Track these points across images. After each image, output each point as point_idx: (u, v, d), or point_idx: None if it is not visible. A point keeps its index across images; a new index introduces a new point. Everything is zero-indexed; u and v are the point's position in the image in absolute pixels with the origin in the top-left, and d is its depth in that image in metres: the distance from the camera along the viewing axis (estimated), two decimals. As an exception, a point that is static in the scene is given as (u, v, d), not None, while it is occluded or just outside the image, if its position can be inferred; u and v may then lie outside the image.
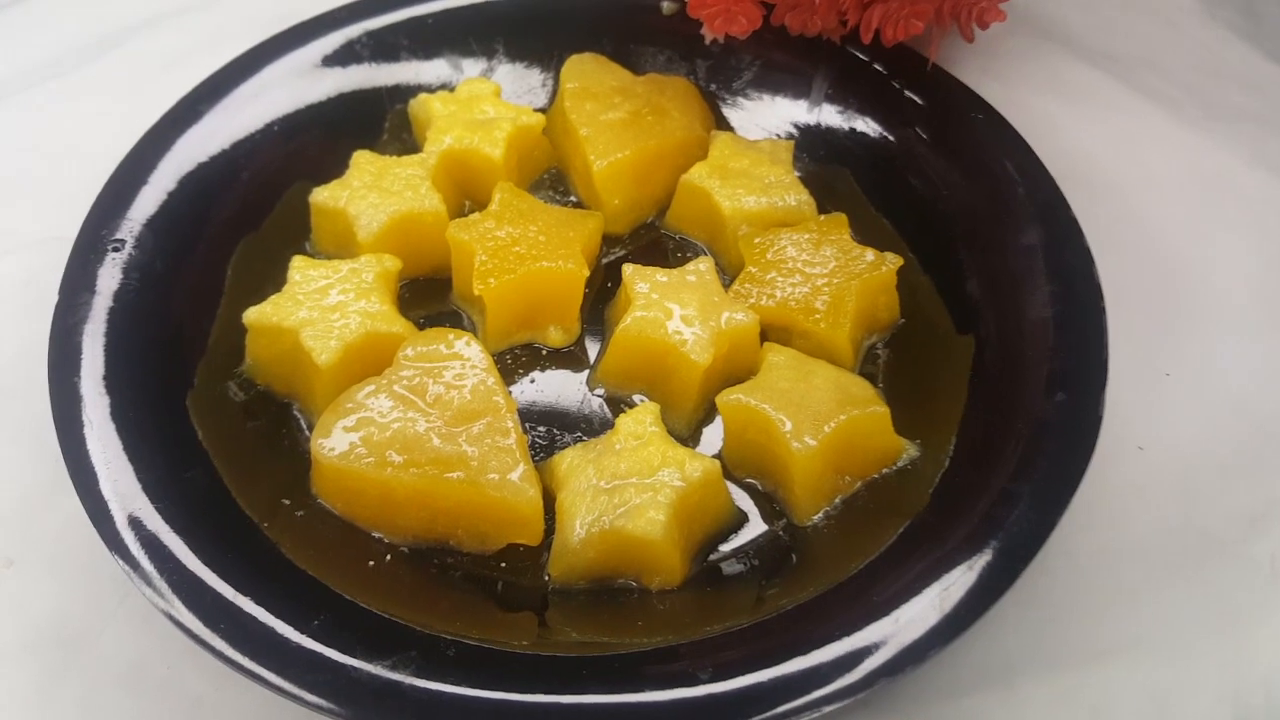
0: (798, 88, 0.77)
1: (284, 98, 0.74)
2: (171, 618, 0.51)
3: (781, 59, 0.78)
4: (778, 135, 0.77)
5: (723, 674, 0.50)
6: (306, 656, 0.50)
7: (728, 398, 0.61)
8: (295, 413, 0.64)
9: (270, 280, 0.66)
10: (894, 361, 0.67)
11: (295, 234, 0.71)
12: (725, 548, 0.60)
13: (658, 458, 0.58)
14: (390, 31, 0.78)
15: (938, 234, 0.70)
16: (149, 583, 0.52)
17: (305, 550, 0.56)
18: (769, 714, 0.49)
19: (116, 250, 0.64)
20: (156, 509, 0.55)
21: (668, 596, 0.57)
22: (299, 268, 0.65)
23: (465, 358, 0.61)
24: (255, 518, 0.57)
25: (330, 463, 0.57)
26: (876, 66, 0.75)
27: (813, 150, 0.76)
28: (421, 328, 0.66)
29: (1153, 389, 0.67)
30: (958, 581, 0.52)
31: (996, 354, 0.63)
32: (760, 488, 0.62)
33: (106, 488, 0.55)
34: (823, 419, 0.59)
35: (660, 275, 0.66)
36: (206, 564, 0.53)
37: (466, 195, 0.74)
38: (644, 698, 0.49)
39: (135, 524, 0.54)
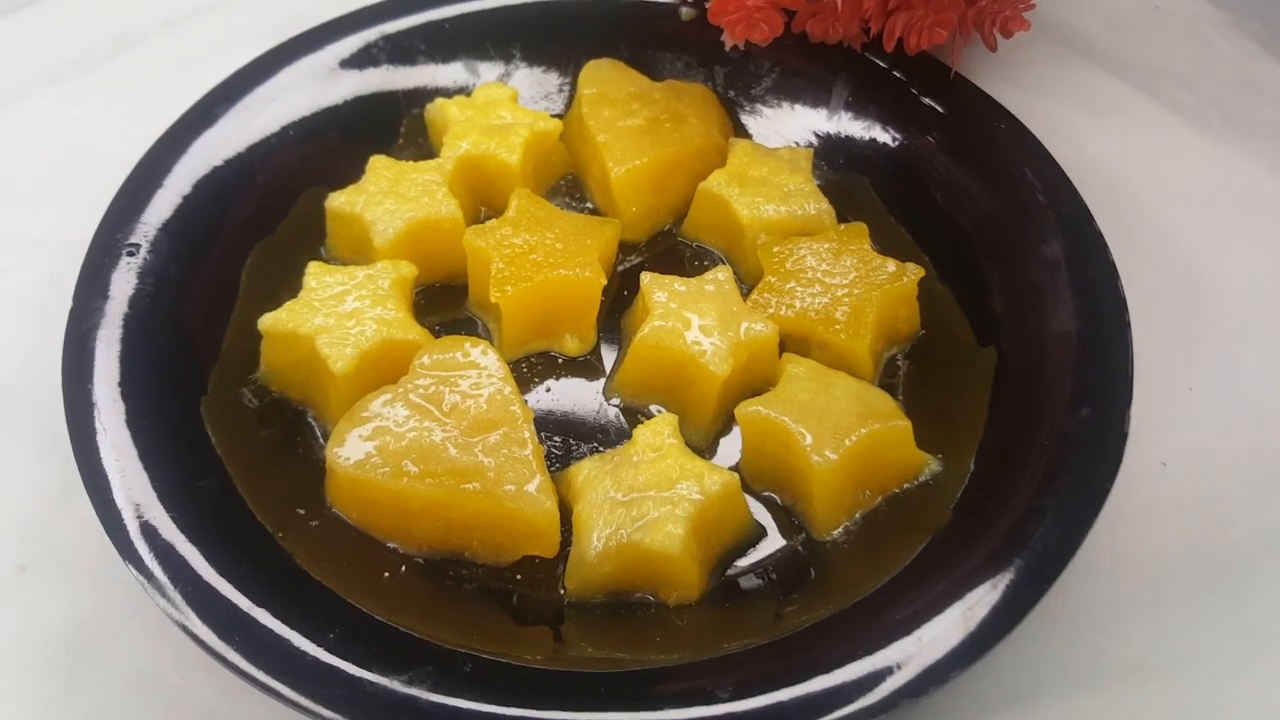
0: (817, 95, 0.77)
1: (300, 101, 0.74)
2: (185, 629, 0.50)
3: (801, 66, 0.77)
4: (797, 143, 0.76)
5: (743, 692, 0.49)
6: (322, 670, 0.49)
7: (747, 409, 0.60)
8: (310, 420, 0.64)
9: (285, 286, 0.66)
10: (914, 374, 0.66)
11: (310, 239, 0.70)
12: (743, 562, 0.59)
13: (676, 470, 0.57)
14: (407, 35, 0.77)
15: (958, 244, 0.69)
16: (163, 593, 0.51)
17: (320, 561, 0.56)
18: (790, 734, 0.48)
19: (131, 255, 0.64)
20: (171, 518, 0.54)
21: (685, 611, 0.56)
22: (315, 274, 0.65)
23: (482, 366, 0.61)
24: (270, 527, 0.57)
25: (346, 472, 0.57)
26: (897, 74, 0.75)
27: (832, 158, 0.75)
28: (437, 334, 0.65)
29: (1176, 403, 0.66)
30: (981, 600, 0.51)
31: (1019, 367, 0.62)
32: (779, 501, 0.61)
33: (120, 496, 0.54)
34: (844, 432, 0.58)
35: (679, 284, 0.65)
36: (221, 574, 0.52)
37: (483, 201, 0.73)
38: (663, 715, 0.49)
39: (149, 533, 0.53)
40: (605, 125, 0.73)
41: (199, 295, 0.65)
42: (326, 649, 0.50)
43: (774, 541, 0.60)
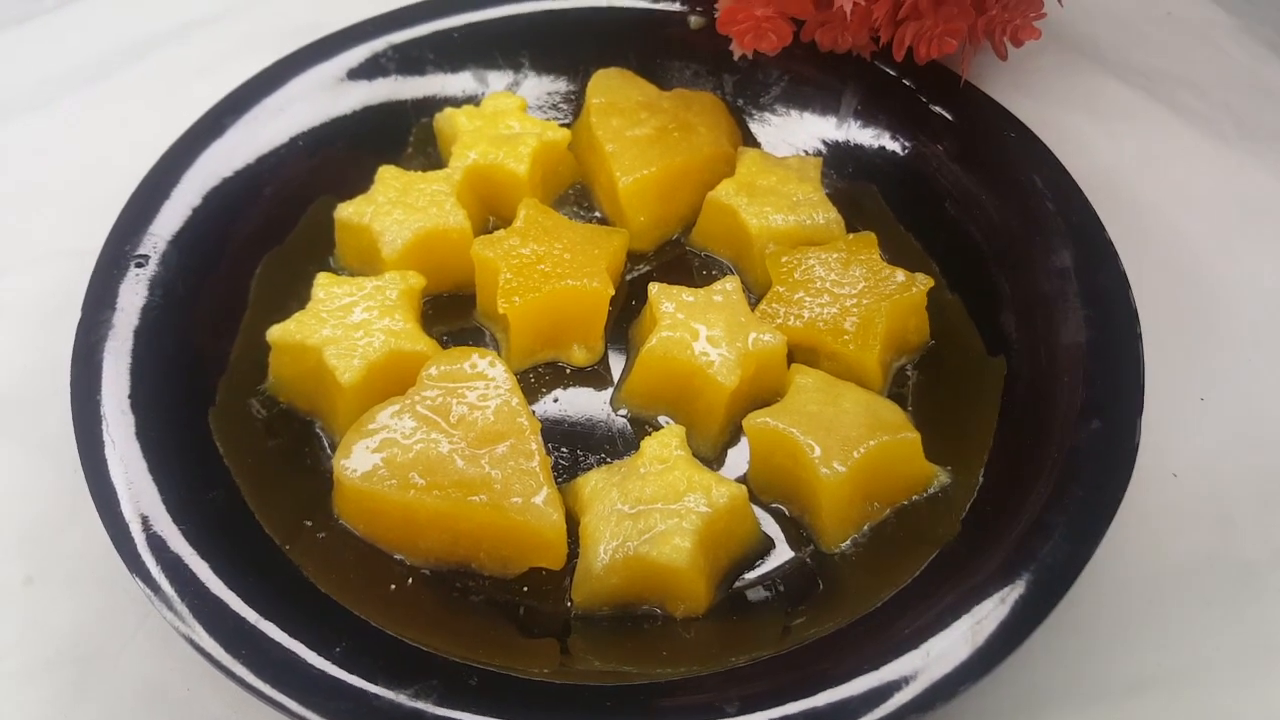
0: (826, 103, 0.76)
1: (309, 111, 0.74)
2: (192, 642, 0.50)
3: (810, 74, 0.77)
4: (806, 152, 0.76)
5: (750, 707, 0.49)
6: (329, 684, 0.49)
7: (755, 421, 0.60)
8: (318, 431, 0.64)
9: (294, 296, 0.66)
10: (924, 384, 0.66)
11: (319, 249, 0.70)
12: (751, 575, 0.59)
13: (683, 483, 0.57)
14: (416, 45, 0.77)
15: (968, 254, 0.69)
16: (169, 605, 0.51)
17: (327, 573, 0.56)
18: (796, 748, 0.48)
19: (140, 266, 0.64)
20: (179, 530, 0.54)
21: (692, 624, 0.56)
22: (323, 285, 0.65)
23: (489, 378, 0.61)
24: (277, 539, 0.57)
25: (353, 484, 0.57)
26: (906, 82, 0.74)
27: (841, 167, 0.75)
28: (445, 345, 0.65)
29: (1187, 414, 0.66)
30: (990, 614, 0.51)
31: (1028, 378, 0.62)
32: (787, 513, 0.61)
33: (127, 508, 0.55)
34: (852, 444, 0.58)
35: (686, 295, 0.65)
36: (228, 586, 0.52)
37: (491, 211, 0.73)
38: (670, 730, 0.49)
39: (156, 545, 0.53)
40: (613, 134, 0.72)
41: (208, 306, 0.66)
42: (333, 662, 0.50)
43: (782, 554, 0.60)
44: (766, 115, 0.78)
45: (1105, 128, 0.80)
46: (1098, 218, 0.66)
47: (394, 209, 0.68)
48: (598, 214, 0.75)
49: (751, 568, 0.59)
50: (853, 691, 0.49)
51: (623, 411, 0.65)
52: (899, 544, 0.58)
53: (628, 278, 0.71)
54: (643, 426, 0.64)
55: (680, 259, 0.73)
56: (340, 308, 0.64)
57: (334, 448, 0.61)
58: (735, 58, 0.74)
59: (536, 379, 0.67)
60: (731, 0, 0.71)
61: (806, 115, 0.77)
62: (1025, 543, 0.54)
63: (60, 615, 0.59)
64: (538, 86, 0.79)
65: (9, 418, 0.66)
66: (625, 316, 0.69)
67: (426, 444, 0.58)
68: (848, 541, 0.59)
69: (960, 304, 0.68)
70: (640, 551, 0.55)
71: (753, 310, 0.65)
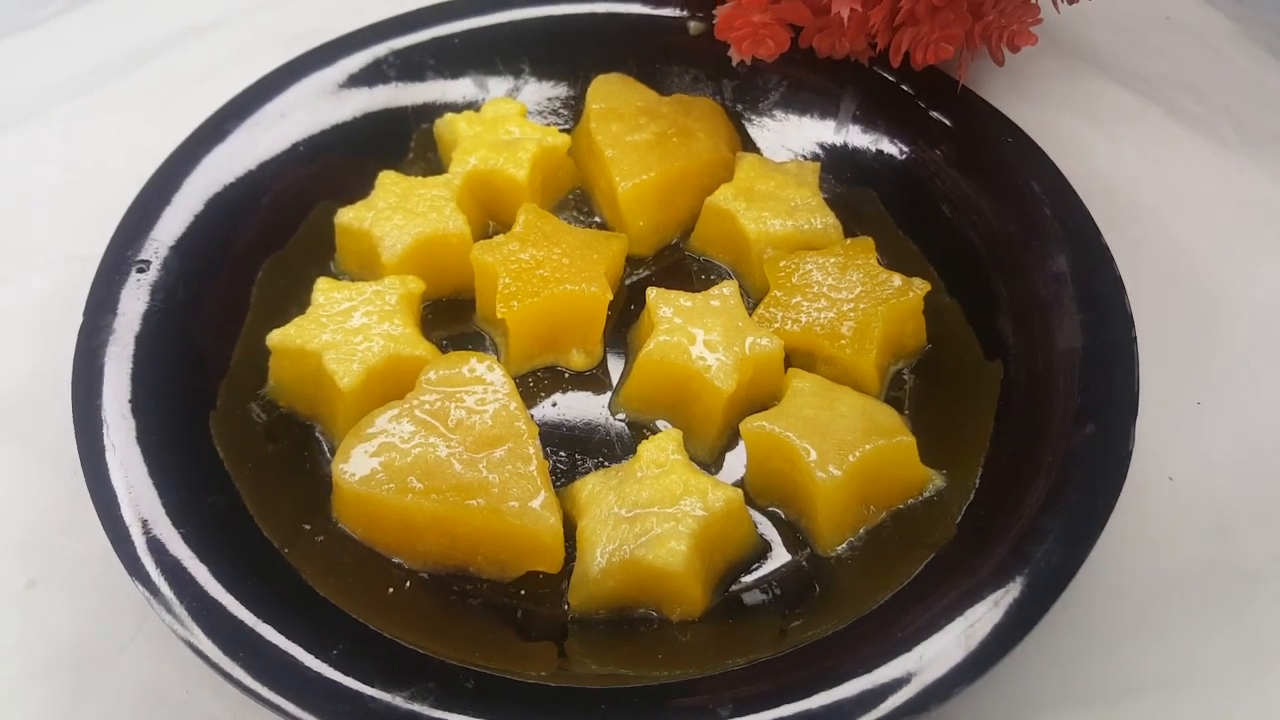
0: (825, 109, 0.77)
1: (310, 117, 0.74)
2: (191, 645, 0.51)
3: (809, 79, 0.77)
4: (804, 156, 0.76)
5: (743, 709, 0.49)
6: (326, 686, 0.50)
7: (751, 425, 0.60)
8: (318, 435, 0.64)
9: (295, 300, 0.66)
10: (921, 388, 0.66)
11: (320, 254, 0.71)
12: (747, 578, 0.59)
13: (679, 486, 0.57)
14: (416, 51, 0.78)
15: (965, 258, 0.69)
16: (169, 609, 0.52)
17: (325, 576, 0.56)
18: (789, 751, 0.48)
19: (141, 271, 0.65)
20: (178, 533, 0.55)
21: (688, 627, 0.56)
22: (323, 290, 0.65)
23: (488, 382, 0.61)
24: (276, 543, 0.57)
25: (351, 488, 0.57)
26: (904, 88, 0.75)
27: (839, 172, 0.75)
28: (445, 349, 0.65)
29: (1184, 418, 0.66)
30: (984, 618, 0.51)
31: (1024, 383, 0.62)
32: (783, 516, 0.61)
33: (127, 512, 0.55)
34: (848, 448, 0.58)
35: (684, 299, 0.65)
36: (227, 590, 0.53)
37: (491, 216, 0.74)
38: (662, 733, 0.49)
39: (156, 548, 0.54)
40: (613, 140, 0.73)
41: (209, 311, 0.66)
42: (330, 665, 0.50)
43: (778, 557, 0.60)
44: (765, 120, 0.78)
45: (1103, 132, 0.80)
46: (1094, 223, 0.66)
47: (394, 214, 0.69)
48: (597, 219, 0.75)
49: (748, 571, 0.59)
50: (847, 693, 0.49)
51: (621, 415, 0.66)
52: (895, 547, 0.59)
53: (627, 282, 0.72)
54: (641, 430, 0.65)
55: (679, 264, 0.73)
56: (340, 312, 0.64)
57: (333, 452, 0.61)
58: (734, 63, 0.75)
59: (535, 383, 0.67)
60: (729, 6, 0.71)
61: (805, 120, 0.77)
62: (1019, 547, 0.54)
63: (61, 618, 0.59)
64: (538, 92, 0.79)
65: (11, 422, 0.66)
66: (624, 321, 0.70)
67: (425, 448, 0.58)
68: (844, 545, 0.59)
69: (957, 308, 0.68)
70: (636, 555, 0.55)
71: (751, 314, 0.65)
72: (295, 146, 0.73)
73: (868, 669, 0.50)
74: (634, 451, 0.60)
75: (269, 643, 0.51)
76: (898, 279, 0.66)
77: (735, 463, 0.63)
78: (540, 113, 0.79)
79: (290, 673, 0.50)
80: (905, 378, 0.66)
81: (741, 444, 0.63)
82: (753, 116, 0.78)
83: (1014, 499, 0.57)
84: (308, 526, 0.59)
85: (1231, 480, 0.64)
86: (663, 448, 0.59)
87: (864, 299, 0.65)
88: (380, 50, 0.77)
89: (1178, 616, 0.59)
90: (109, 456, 0.57)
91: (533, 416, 0.63)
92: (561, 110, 0.79)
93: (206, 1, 0.92)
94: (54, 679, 0.57)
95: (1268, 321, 0.70)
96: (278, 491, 0.60)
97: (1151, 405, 0.59)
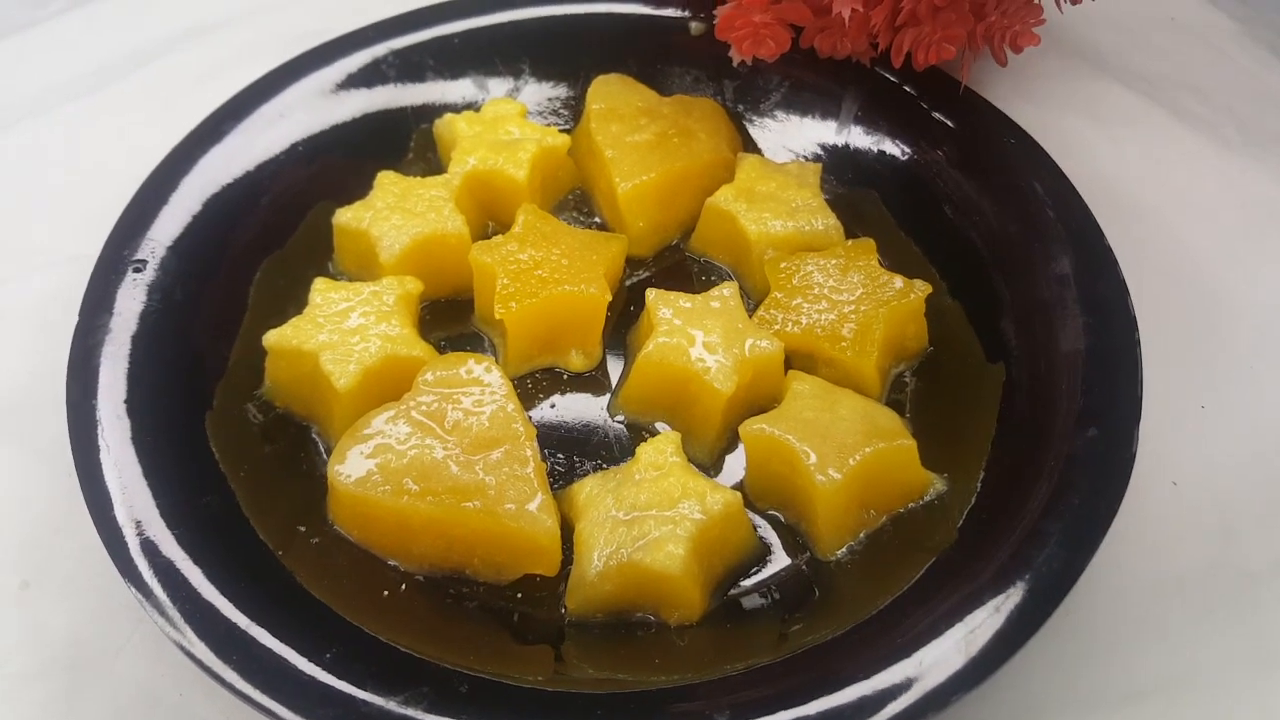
0: (826, 109, 0.76)
1: (309, 117, 0.74)
2: (183, 647, 0.50)
3: (810, 80, 0.77)
4: (805, 157, 0.76)
5: (741, 715, 0.49)
6: (319, 690, 0.49)
7: (751, 427, 0.60)
8: (314, 436, 0.64)
9: (293, 300, 0.66)
10: (922, 390, 0.65)
11: (319, 254, 0.70)
12: (747, 582, 0.59)
13: (678, 489, 0.57)
14: (416, 51, 0.77)
15: (967, 260, 0.69)
16: (161, 611, 0.51)
17: (320, 579, 0.56)
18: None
19: (138, 271, 0.64)
20: (172, 535, 0.54)
21: (686, 632, 0.56)
22: (320, 290, 0.65)
23: (485, 383, 0.61)
24: (271, 545, 0.57)
25: (347, 490, 0.57)
26: (906, 88, 0.74)
27: (840, 173, 0.75)
28: (443, 350, 0.65)
29: (1188, 422, 0.65)
30: (984, 624, 0.51)
31: (1026, 386, 0.62)
32: (783, 519, 0.61)
33: (121, 513, 0.55)
34: (848, 451, 0.58)
35: (684, 301, 0.65)
36: (220, 592, 0.52)
37: (490, 216, 0.73)
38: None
39: (150, 550, 0.53)
40: (613, 140, 0.72)
41: (206, 311, 0.66)
42: (324, 668, 0.50)
43: (778, 561, 0.59)
44: (766, 121, 0.78)
45: (1106, 133, 0.80)
46: (1097, 224, 0.66)
47: (392, 214, 0.68)
48: (597, 219, 0.75)
49: (747, 575, 0.59)
50: (845, 699, 0.49)
51: (620, 417, 0.65)
52: (895, 552, 0.58)
53: (627, 283, 0.71)
54: (640, 433, 0.64)
55: (679, 265, 0.73)
56: (337, 313, 0.64)
57: (329, 453, 0.61)
58: (734, 64, 0.74)
59: (534, 384, 0.67)
60: (730, 6, 0.71)
61: (806, 121, 0.77)
62: (1021, 551, 0.53)
63: (56, 620, 0.59)
64: (538, 92, 0.79)
65: (9, 422, 0.66)
66: (624, 322, 0.69)
67: (421, 450, 0.58)
68: (844, 549, 0.59)
69: (960, 310, 0.67)
70: (634, 558, 0.55)
71: (751, 316, 0.65)
72: (294, 146, 0.73)
73: (867, 675, 0.50)
74: (633, 454, 0.60)
75: (262, 646, 0.50)
76: (899, 280, 0.65)
77: (735, 465, 0.63)
78: (540, 113, 0.79)
79: (283, 676, 0.50)
80: (906, 380, 0.66)
81: (741, 447, 0.62)
82: (754, 117, 0.78)
83: (1016, 503, 0.56)
84: (303, 528, 0.59)
85: (1236, 484, 0.63)
86: (661, 450, 0.59)
87: (865, 301, 0.65)
88: (380, 50, 0.77)
89: (1180, 620, 0.58)
90: (103, 456, 0.56)
91: (531, 418, 0.63)
92: (561, 110, 0.79)
93: (209, 2, 0.92)
94: (49, 681, 0.57)
95: (1271, 322, 0.70)
96: (273, 493, 0.60)
97: (1155, 409, 0.59)
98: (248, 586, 0.53)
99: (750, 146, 0.77)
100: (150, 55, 0.88)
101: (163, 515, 0.55)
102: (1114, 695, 0.56)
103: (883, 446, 0.58)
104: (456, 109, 0.76)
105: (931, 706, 0.48)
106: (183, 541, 0.54)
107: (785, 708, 0.49)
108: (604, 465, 0.63)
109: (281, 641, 0.51)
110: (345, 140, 0.74)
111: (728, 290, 0.66)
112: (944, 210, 0.71)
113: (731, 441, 0.63)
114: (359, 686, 0.49)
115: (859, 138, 0.75)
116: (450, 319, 0.69)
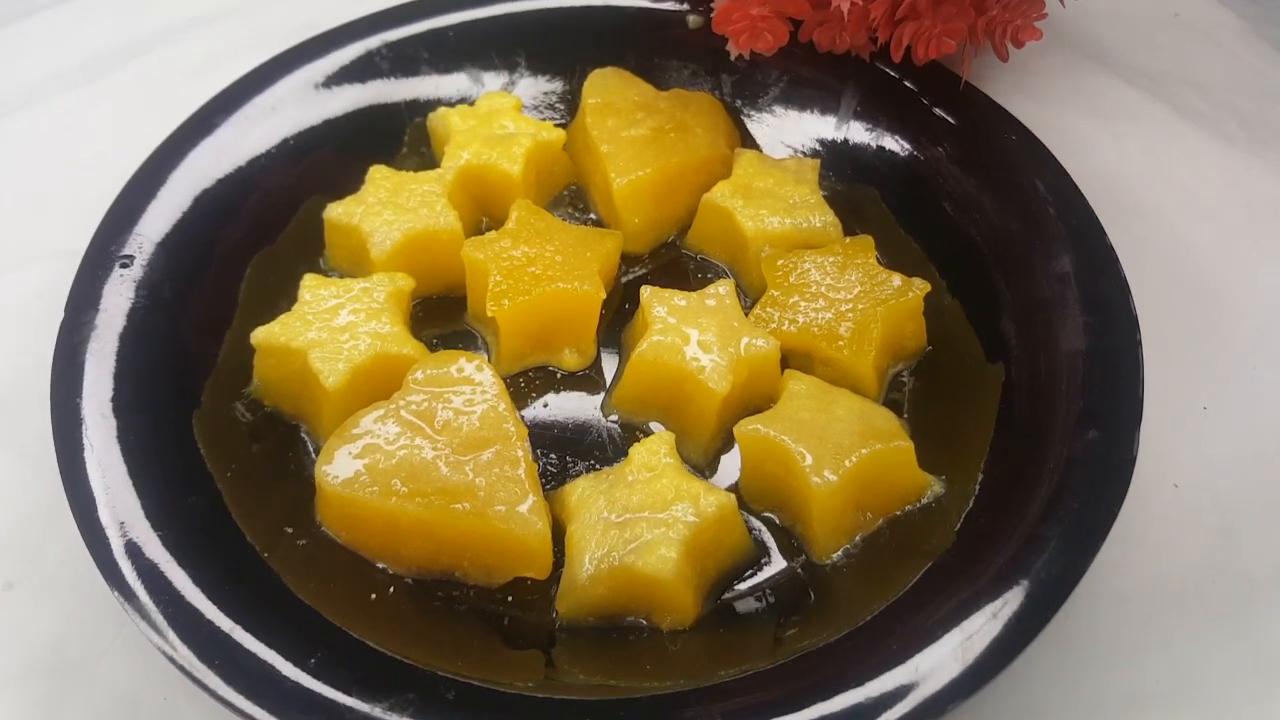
0: (825, 104, 0.75)
1: (302, 110, 0.73)
2: (164, 652, 0.50)
3: (809, 75, 0.76)
4: (803, 153, 0.75)
5: (731, 722, 0.48)
6: (302, 695, 0.48)
7: (746, 428, 0.59)
8: (303, 435, 0.63)
9: (284, 296, 0.65)
10: (920, 390, 0.64)
11: (310, 250, 0.70)
12: (740, 586, 0.58)
13: (671, 491, 0.56)
14: (410, 44, 0.76)
15: (967, 257, 0.68)
16: (144, 615, 0.51)
17: (307, 581, 0.55)
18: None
19: (125, 266, 0.63)
20: (157, 536, 0.53)
21: (679, 636, 0.55)
22: (309, 286, 0.64)
23: (476, 382, 0.60)
24: (258, 546, 0.56)
25: (334, 491, 0.56)
26: (906, 83, 0.73)
27: (839, 169, 0.74)
28: (435, 348, 0.64)
29: (1190, 423, 0.64)
30: (982, 630, 0.50)
31: (1026, 387, 0.61)
32: (778, 522, 0.60)
33: (105, 514, 0.54)
34: (844, 452, 0.57)
35: (679, 299, 0.64)
36: (205, 595, 0.52)
37: (484, 211, 0.72)
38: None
39: (133, 552, 0.53)
40: (609, 135, 0.71)
41: (195, 307, 0.65)
42: (308, 673, 0.49)
43: (772, 564, 0.58)
44: (764, 116, 0.77)
45: (1109, 130, 0.79)
46: (1099, 222, 0.65)
47: (384, 209, 0.67)
48: (592, 216, 0.74)
49: (741, 578, 0.58)
50: (839, 706, 0.48)
51: (613, 417, 0.64)
52: (892, 555, 0.57)
53: (622, 280, 0.70)
54: (634, 432, 0.63)
55: (676, 262, 0.72)
56: (326, 310, 0.63)
57: (319, 453, 0.60)
58: (732, 58, 0.73)
59: (527, 383, 0.66)
60: (727, 0, 0.70)
61: (805, 116, 0.76)
62: (1019, 556, 0.52)
63: (39, 621, 0.58)
64: (533, 86, 0.78)
65: (-6, 420, 0.65)
66: (619, 320, 0.68)
67: (410, 450, 0.57)
68: (840, 552, 0.58)
69: (958, 309, 0.66)
70: (625, 562, 0.54)
71: (747, 314, 0.64)
72: (285, 141, 0.72)
73: (862, 681, 0.49)
74: (627, 454, 0.59)
75: (246, 650, 0.50)
76: (897, 279, 0.65)
77: (729, 466, 0.62)
78: (536, 107, 0.78)
79: (266, 681, 0.49)
80: (904, 380, 0.65)
81: (736, 447, 0.61)
82: (752, 112, 0.77)
83: (1015, 505, 0.55)
84: (290, 530, 0.58)
85: (1238, 487, 0.62)
86: (654, 451, 0.58)
87: (863, 299, 0.64)
88: (373, 43, 0.76)
89: (1182, 627, 0.57)
90: (87, 456, 0.55)
91: (523, 418, 0.62)
92: (557, 105, 0.78)
93: (205, -6, 0.91)
94: (30, 684, 0.56)
95: (1274, 322, 0.69)
96: (260, 493, 0.59)
97: (1157, 410, 0.58)
98: (233, 589, 0.52)
99: (748, 142, 0.76)
100: (146, 47, 0.87)
101: (147, 516, 0.54)
102: (1114, 702, 0.55)
103: (880, 448, 0.57)
104: (451, 103, 0.76)
105: (928, 714, 0.48)
106: (167, 543, 0.53)
107: (779, 714, 0.48)
108: (597, 465, 0.62)
109: (266, 645, 0.50)
110: (338, 134, 0.73)
111: (724, 288, 0.65)
112: (944, 207, 0.70)
113: (726, 442, 0.62)
114: (344, 692, 0.49)
115: (858, 133, 0.74)
116: (442, 316, 0.68)
